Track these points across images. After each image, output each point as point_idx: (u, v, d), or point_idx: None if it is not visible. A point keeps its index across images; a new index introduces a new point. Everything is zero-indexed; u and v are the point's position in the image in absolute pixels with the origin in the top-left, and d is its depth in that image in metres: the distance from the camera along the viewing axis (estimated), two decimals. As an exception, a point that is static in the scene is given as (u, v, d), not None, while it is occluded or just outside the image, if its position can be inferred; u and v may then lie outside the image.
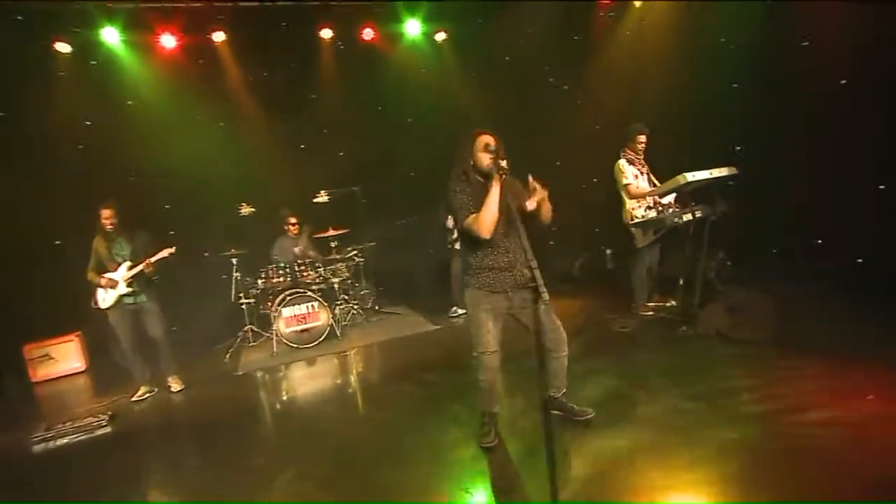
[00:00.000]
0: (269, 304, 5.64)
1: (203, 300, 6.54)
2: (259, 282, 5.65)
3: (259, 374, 4.99)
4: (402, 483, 2.66)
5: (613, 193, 4.73)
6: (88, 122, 6.25)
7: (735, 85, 5.34)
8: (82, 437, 3.86)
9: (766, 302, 4.08)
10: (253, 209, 5.86)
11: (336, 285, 6.01)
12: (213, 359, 5.63)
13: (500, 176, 2.54)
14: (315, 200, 6.13)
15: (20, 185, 5.60)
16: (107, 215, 4.38)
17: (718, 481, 2.30)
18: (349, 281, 6.34)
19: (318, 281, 5.73)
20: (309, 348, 5.39)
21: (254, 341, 5.83)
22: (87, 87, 6.12)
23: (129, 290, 4.42)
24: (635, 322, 4.63)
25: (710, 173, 3.88)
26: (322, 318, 5.51)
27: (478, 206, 2.60)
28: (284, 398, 4.44)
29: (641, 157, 4.71)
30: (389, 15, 6.99)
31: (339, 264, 6.09)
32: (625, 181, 4.59)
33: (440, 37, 7.40)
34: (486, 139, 2.68)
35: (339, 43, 7.09)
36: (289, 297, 5.43)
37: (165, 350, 4.64)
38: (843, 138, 4.49)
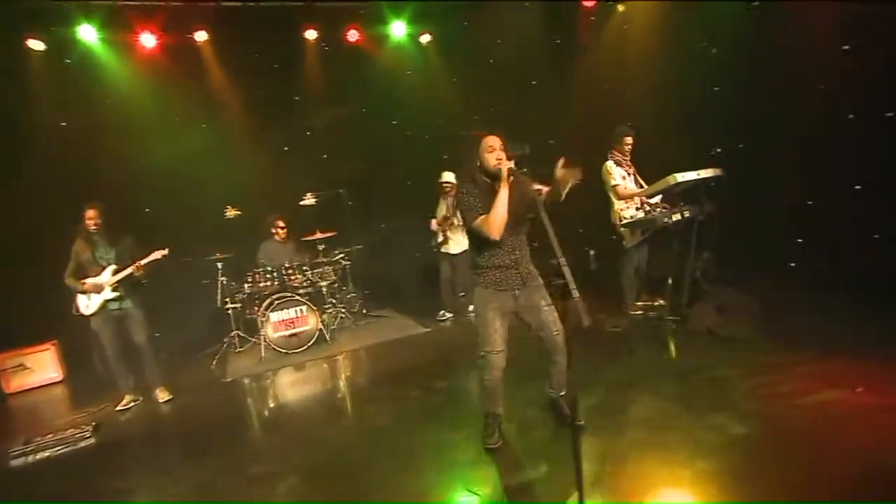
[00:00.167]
0: (257, 308, 5.53)
1: (187, 305, 6.38)
2: (245, 286, 5.54)
3: (247, 380, 4.89)
4: (402, 487, 2.64)
5: (597, 195, 4.76)
6: (64, 124, 6.04)
7: (716, 88, 5.45)
8: (65, 450, 3.71)
9: (751, 301, 4.19)
10: (238, 212, 5.75)
11: (324, 289, 5.94)
12: (199, 366, 5.49)
13: (508, 177, 2.58)
14: (302, 203, 6.04)
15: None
16: (91, 216, 4.21)
17: (712, 479, 2.36)
18: (336, 284, 6.28)
19: (305, 285, 5.65)
20: (298, 353, 5.31)
21: (240, 347, 5.71)
22: (61, 86, 5.91)
23: (115, 294, 4.26)
24: (626, 322, 4.69)
25: (698, 174, 3.98)
26: (311, 322, 5.44)
27: (486, 207, 2.62)
28: (275, 405, 4.36)
29: (628, 158, 4.79)
30: (374, 16, 6.96)
31: (325, 267, 6.02)
32: (613, 182, 4.66)
33: (425, 38, 7.39)
34: (491, 141, 2.70)
35: (324, 44, 7.02)
36: (277, 302, 5.34)
37: (149, 357, 4.50)
38: (825, 139, 4.58)
